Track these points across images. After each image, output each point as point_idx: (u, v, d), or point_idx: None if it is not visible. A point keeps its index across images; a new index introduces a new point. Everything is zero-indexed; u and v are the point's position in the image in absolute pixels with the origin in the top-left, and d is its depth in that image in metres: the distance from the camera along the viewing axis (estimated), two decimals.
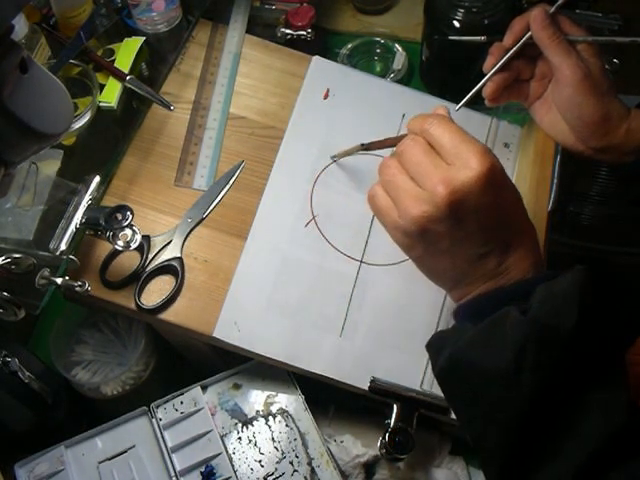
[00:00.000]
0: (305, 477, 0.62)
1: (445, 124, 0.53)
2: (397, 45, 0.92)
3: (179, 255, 0.66)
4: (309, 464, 0.63)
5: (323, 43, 0.94)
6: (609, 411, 0.46)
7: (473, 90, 0.68)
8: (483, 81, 0.68)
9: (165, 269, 0.65)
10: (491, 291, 0.52)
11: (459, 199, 0.49)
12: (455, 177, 0.49)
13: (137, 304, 0.63)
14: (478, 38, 0.71)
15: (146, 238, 0.66)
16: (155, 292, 0.65)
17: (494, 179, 0.49)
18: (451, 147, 0.51)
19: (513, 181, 0.74)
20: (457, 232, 0.50)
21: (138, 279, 0.64)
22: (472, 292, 0.53)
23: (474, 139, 0.52)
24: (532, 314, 0.47)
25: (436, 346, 0.53)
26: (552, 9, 0.65)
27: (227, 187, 0.71)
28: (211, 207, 0.69)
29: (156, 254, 0.66)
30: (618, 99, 0.66)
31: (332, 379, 0.64)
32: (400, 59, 0.91)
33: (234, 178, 0.71)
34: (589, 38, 0.65)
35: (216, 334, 0.63)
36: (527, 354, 0.46)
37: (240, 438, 0.64)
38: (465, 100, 0.69)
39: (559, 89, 0.66)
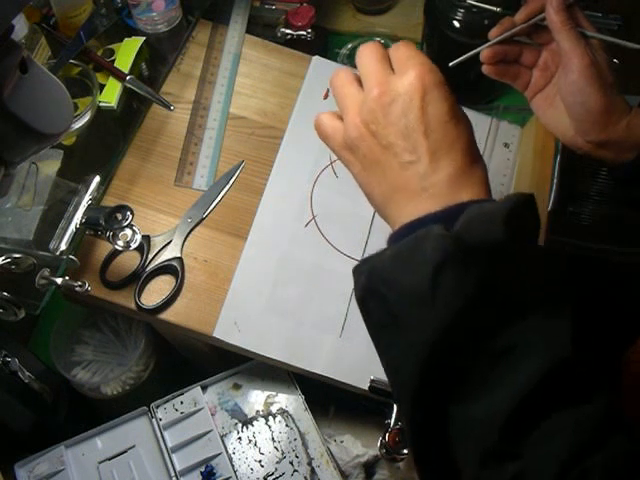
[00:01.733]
0: (305, 477, 0.62)
1: (406, 44, 0.54)
2: None
3: (179, 255, 0.66)
4: (309, 464, 0.63)
5: (323, 43, 0.94)
6: (550, 342, 0.42)
7: (471, 52, 0.68)
8: (484, 45, 0.68)
9: (165, 269, 0.65)
10: (421, 217, 0.48)
11: (388, 100, 0.50)
12: (390, 81, 0.51)
13: (137, 304, 0.63)
14: (494, 8, 0.72)
15: (146, 238, 0.66)
16: (155, 292, 0.65)
17: (429, 89, 0.50)
18: (400, 58, 0.52)
19: (513, 181, 0.75)
20: (386, 137, 0.50)
21: (138, 279, 0.64)
22: (402, 216, 0.50)
23: (425, 57, 0.52)
24: (454, 230, 0.44)
25: (359, 269, 0.49)
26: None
27: (227, 187, 0.71)
28: (211, 207, 0.69)
29: (156, 254, 0.66)
30: (621, 95, 0.66)
31: (332, 379, 0.63)
32: None
33: (234, 178, 0.71)
34: (599, 35, 0.65)
35: (216, 334, 0.63)
36: (445, 272, 0.43)
37: (240, 438, 0.64)
38: (460, 60, 0.69)
39: (565, 74, 0.66)
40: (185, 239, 0.67)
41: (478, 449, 0.41)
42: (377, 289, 0.47)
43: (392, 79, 0.51)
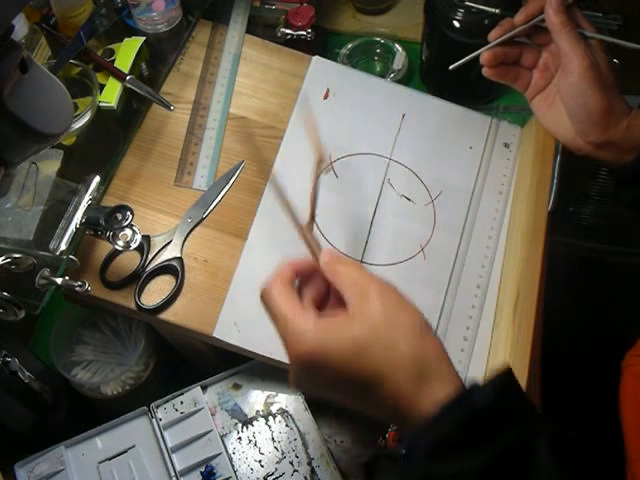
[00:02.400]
0: (305, 477, 0.62)
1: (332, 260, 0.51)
2: (397, 45, 0.92)
3: (179, 255, 0.66)
4: (309, 464, 0.63)
5: (323, 43, 0.94)
6: None
7: (472, 55, 0.68)
8: (484, 48, 0.68)
9: (165, 269, 0.65)
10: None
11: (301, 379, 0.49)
12: (290, 353, 0.49)
13: (137, 304, 0.63)
14: (492, 10, 0.72)
15: (146, 238, 0.66)
16: (155, 292, 0.65)
17: (309, 366, 0.47)
18: (347, 282, 0.49)
19: (513, 181, 0.75)
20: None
21: (138, 279, 0.64)
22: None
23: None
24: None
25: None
26: (570, 0, 0.65)
27: (227, 187, 0.71)
28: (211, 207, 0.69)
29: (156, 254, 0.66)
30: (621, 96, 0.66)
31: None
32: (400, 59, 0.91)
33: (234, 178, 0.71)
34: (598, 36, 0.65)
35: (216, 334, 0.63)
36: None
37: (240, 438, 0.64)
38: (460, 63, 0.69)
39: (565, 76, 0.66)
40: (185, 239, 0.67)
41: None
42: None
43: (288, 345, 0.48)
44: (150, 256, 0.66)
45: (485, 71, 0.69)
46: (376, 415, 0.49)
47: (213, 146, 0.73)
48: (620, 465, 0.65)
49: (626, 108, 0.66)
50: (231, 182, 0.71)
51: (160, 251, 0.66)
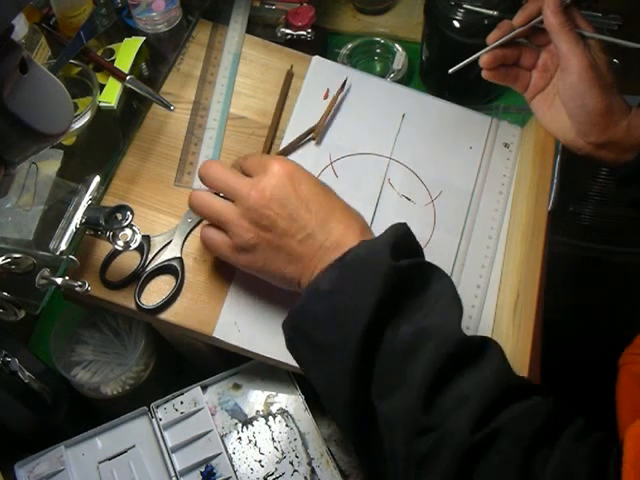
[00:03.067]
0: (305, 477, 0.62)
1: (250, 155, 0.63)
2: (397, 45, 0.92)
3: (179, 255, 0.66)
4: (309, 464, 0.63)
5: (323, 43, 0.94)
6: (442, 330, 0.50)
7: (471, 58, 0.68)
8: (483, 51, 0.68)
9: (165, 269, 0.65)
10: (325, 267, 0.55)
11: (268, 196, 0.57)
12: (259, 181, 0.58)
13: (137, 304, 0.63)
14: (491, 12, 0.72)
15: (146, 238, 0.66)
16: (155, 292, 0.65)
17: (293, 174, 0.58)
18: (254, 163, 0.60)
19: (513, 181, 0.75)
20: (278, 226, 0.57)
21: (138, 279, 0.64)
22: (312, 274, 0.57)
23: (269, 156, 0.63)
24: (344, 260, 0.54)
25: (284, 323, 0.56)
26: (568, 0, 0.65)
27: None
28: None
29: (156, 254, 0.66)
30: (620, 96, 0.66)
31: None
32: (400, 59, 0.91)
33: None
34: (597, 36, 0.65)
35: (216, 334, 0.63)
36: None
37: (240, 438, 0.64)
38: (459, 66, 0.69)
39: (564, 77, 0.66)
40: (185, 239, 0.67)
41: (405, 432, 0.47)
42: (299, 326, 0.54)
43: (259, 179, 0.58)
44: (150, 256, 0.66)
45: (484, 74, 0.69)
46: (300, 260, 0.57)
47: (213, 146, 0.73)
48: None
49: (625, 108, 0.66)
50: None
51: (160, 251, 0.66)
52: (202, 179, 0.61)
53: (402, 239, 0.55)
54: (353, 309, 0.50)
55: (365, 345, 0.49)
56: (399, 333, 0.50)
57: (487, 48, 0.67)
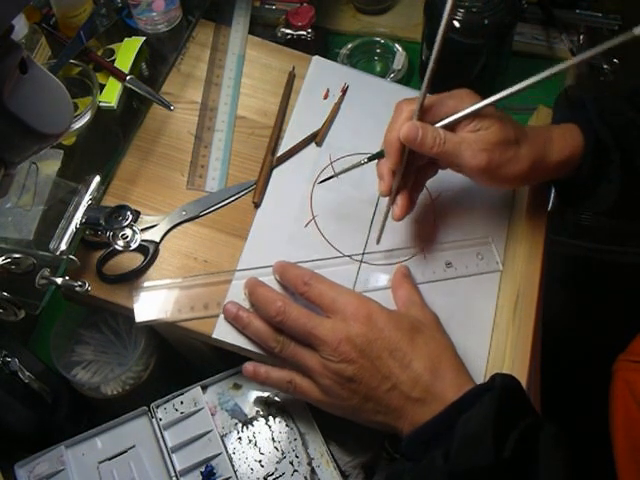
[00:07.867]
0: (305, 477, 0.62)
1: (320, 282, 0.61)
2: (397, 45, 0.92)
3: (157, 240, 0.66)
4: (309, 464, 0.63)
5: (323, 43, 0.94)
6: None
7: (381, 227, 0.67)
8: (388, 209, 0.65)
9: (138, 247, 0.65)
10: (418, 428, 0.55)
11: (353, 346, 0.56)
12: (341, 329, 0.57)
13: (97, 269, 0.63)
14: (358, 162, 0.66)
15: (137, 213, 0.65)
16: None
17: (373, 320, 0.58)
18: (329, 302, 0.59)
19: None
20: (362, 373, 0.57)
21: (107, 247, 0.64)
22: (404, 426, 0.57)
23: (346, 290, 0.61)
24: (450, 463, 0.51)
25: None
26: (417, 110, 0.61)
27: (236, 196, 0.70)
28: (211, 208, 0.69)
29: (141, 231, 0.66)
30: (523, 132, 0.62)
31: None
32: (400, 59, 0.91)
33: (246, 191, 0.71)
34: (456, 116, 0.63)
35: (216, 334, 0.63)
36: None
37: (240, 438, 0.64)
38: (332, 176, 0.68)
39: (460, 170, 0.62)
40: (171, 228, 0.67)
41: None
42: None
43: (338, 327, 0.57)
44: (137, 230, 0.65)
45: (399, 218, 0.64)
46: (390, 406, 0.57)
47: (222, 148, 0.73)
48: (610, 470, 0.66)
49: (538, 147, 0.61)
50: (242, 193, 0.70)
51: (144, 230, 0.66)
52: (281, 323, 0.59)
53: (507, 403, 0.52)
54: None
55: None
56: None
57: (385, 213, 0.65)
